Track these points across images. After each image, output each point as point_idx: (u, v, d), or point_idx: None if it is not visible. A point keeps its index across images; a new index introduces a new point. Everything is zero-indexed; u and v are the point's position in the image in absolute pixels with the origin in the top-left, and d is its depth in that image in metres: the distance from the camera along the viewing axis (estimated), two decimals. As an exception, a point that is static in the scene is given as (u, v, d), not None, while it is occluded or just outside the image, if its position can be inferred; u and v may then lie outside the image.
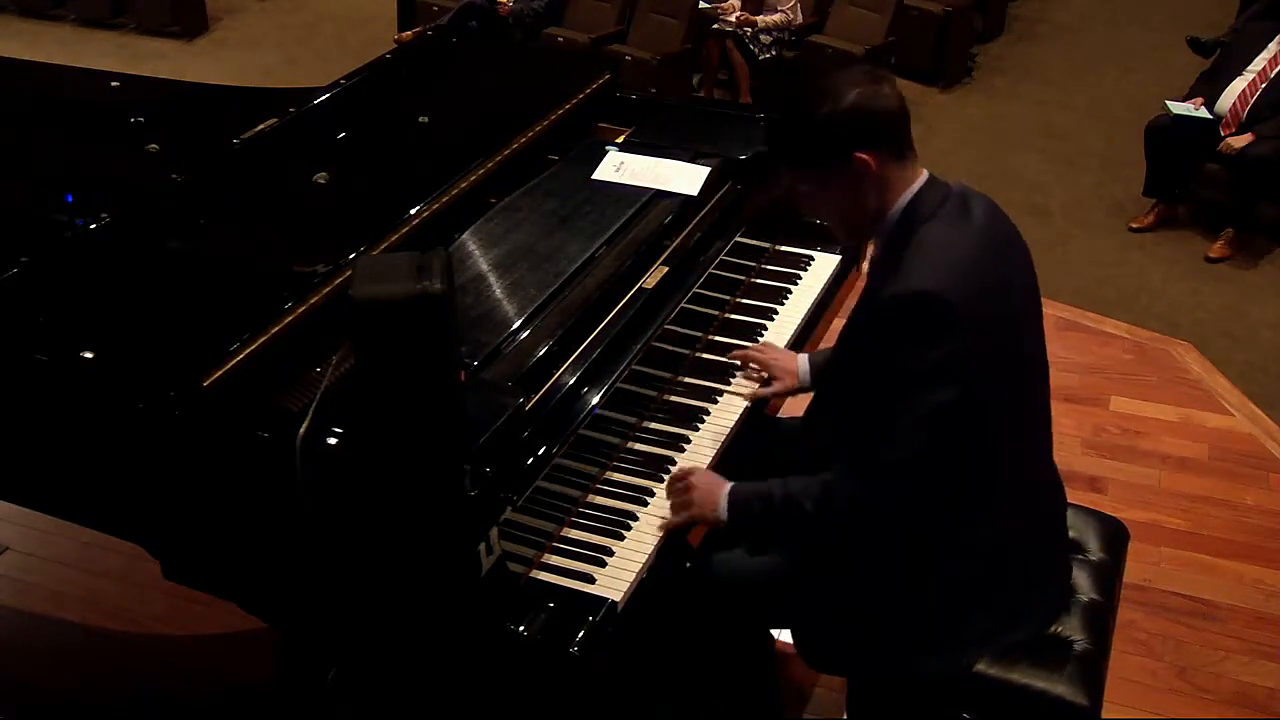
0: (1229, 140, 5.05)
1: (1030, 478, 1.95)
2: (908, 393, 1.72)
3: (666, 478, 2.05)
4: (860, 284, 2.64)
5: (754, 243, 2.68)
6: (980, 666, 1.92)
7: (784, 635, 2.09)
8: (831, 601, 1.95)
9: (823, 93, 1.77)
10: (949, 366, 1.70)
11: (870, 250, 1.93)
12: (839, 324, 2.17)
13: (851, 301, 2.58)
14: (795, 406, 2.62)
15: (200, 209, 2.24)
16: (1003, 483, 1.87)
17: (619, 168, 2.51)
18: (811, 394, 2.28)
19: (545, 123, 2.61)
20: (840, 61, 6.16)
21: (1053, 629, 1.99)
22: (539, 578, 1.85)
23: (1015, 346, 1.82)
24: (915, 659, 1.92)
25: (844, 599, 1.94)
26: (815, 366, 2.28)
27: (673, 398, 2.28)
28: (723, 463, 2.15)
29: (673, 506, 1.99)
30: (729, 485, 1.96)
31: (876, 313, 1.79)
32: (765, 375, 2.31)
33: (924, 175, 1.83)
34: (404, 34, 7.48)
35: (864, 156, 1.76)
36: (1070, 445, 3.49)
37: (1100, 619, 2.03)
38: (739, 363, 2.35)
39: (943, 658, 1.90)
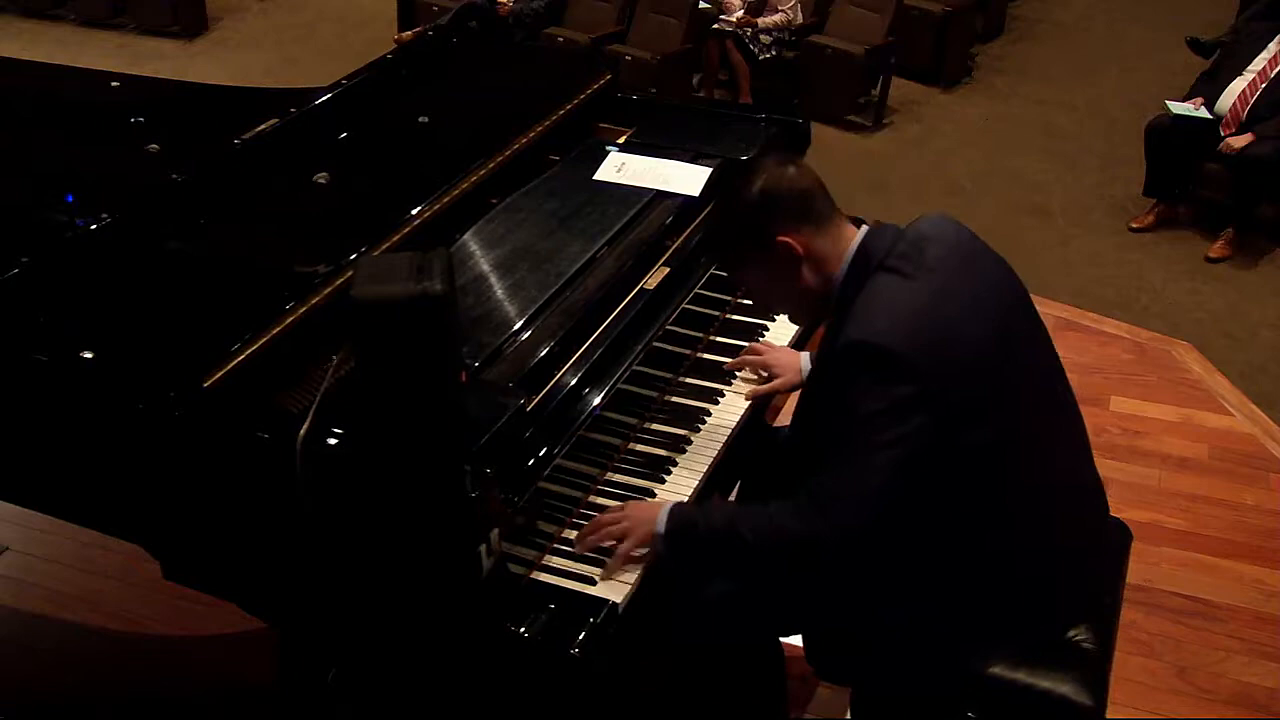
0: (1229, 140, 5.05)
1: (1046, 488, 1.90)
2: (854, 438, 1.71)
3: (598, 515, 1.93)
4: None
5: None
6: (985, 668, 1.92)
7: (793, 639, 2.08)
8: (836, 609, 1.95)
9: (734, 188, 1.86)
10: (896, 412, 1.68)
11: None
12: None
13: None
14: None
15: (201, 209, 2.24)
16: (1009, 506, 1.84)
17: (620, 168, 2.51)
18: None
19: (546, 123, 2.61)
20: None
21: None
22: (540, 579, 1.85)
23: (987, 374, 1.76)
24: (925, 675, 1.91)
25: (854, 614, 1.93)
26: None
27: (674, 398, 2.28)
28: (723, 464, 2.15)
29: (607, 535, 1.87)
30: (668, 503, 1.91)
31: (828, 361, 1.83)
32: (766, 375, 2.31)
33: (860, 231, 1.85)
34: (404, 34, 7.48)
35: (784, 239, 1.81)
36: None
37: (1104, 620, 2.03)
38: (739, 369, 2.35)
39: (953, 674, 1.90)
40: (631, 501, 1.97)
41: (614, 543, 1.88)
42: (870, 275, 1.78)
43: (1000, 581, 1.88)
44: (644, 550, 1.87)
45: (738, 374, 2.34)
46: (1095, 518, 2.05)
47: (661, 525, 1.87)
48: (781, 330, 2.50)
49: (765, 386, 2.30)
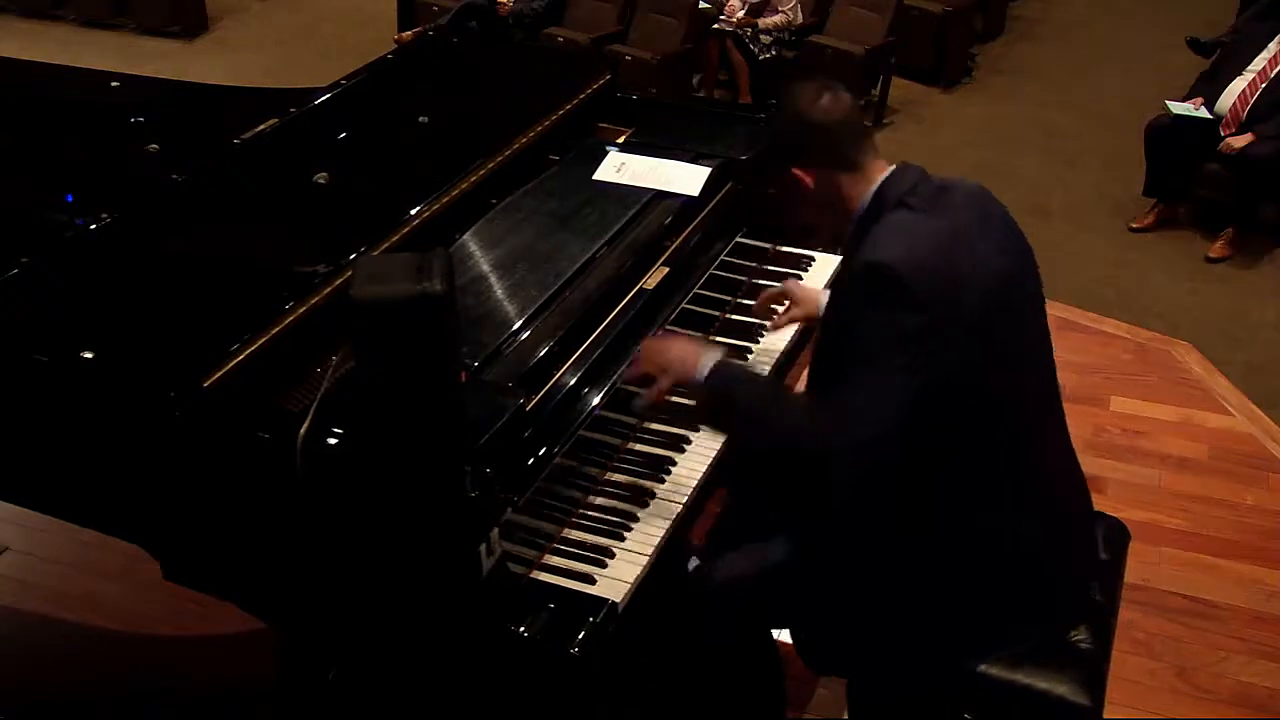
0: (1229, 140, 5.05)
1: (1038, 478, 1.91)
2: (864, 356, 1.72)
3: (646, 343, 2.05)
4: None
5: (755, 243, 2.68)
6: (982, 667, 1.92)
7: (783, 635, 2.08)
8: (832, 602, 1.95)
9: (778, 108, 1.91)
10: (903, 334, 1.69)
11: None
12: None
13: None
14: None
15: (201, 209, 2.24)
16: (1002, 481, 1.85)
17: (620, 168, 2.51)
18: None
19: (546, 123, 2.61)
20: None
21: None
22: (540, 578, 1.85)
23: (990, 333, 1.76)
24: (918, 663, 1.91)
25: (845, 599, 1.94)
26: None
27: (673, 398, 2.28)
28: (723, 462, 2.15)
29: (647, 365, 1.97)
30: (717, 351, 1.94)
31: (837, 289, 1.89)
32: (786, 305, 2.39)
33: (887, 169, 1.86)
34: (404, 34, 7.47)
35: (797, 172, 1.85)
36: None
37: (1101, 619, 2.03)
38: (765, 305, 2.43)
39: (947, 663, 1.90)
40: (678, 339, 2.02)
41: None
42: (886, 210, 1.80)
43: (998, 567, 1.88)
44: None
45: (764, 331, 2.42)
46: (1084, 507, 2.05)
47: (702, 373, 1.89)
48: (781, 330, 2.49)
49: (784, 315, 2.37)
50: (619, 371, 2.07)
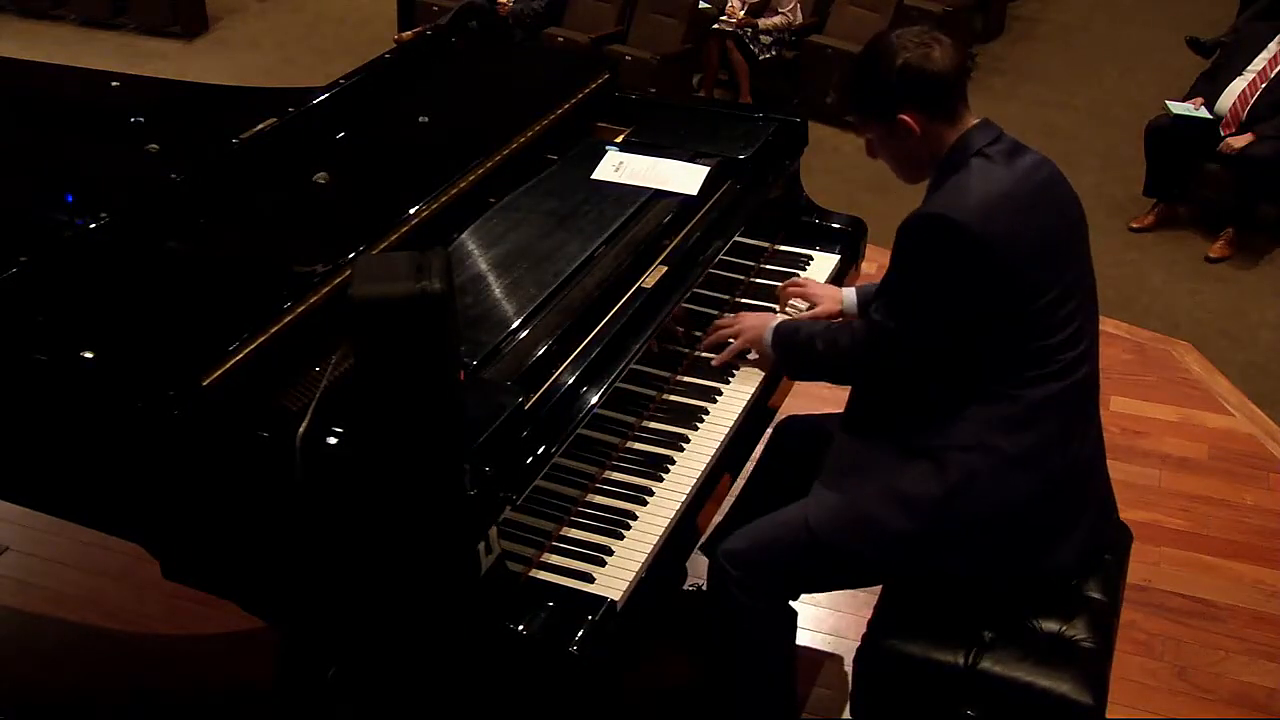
0: (1229, 140, 5.05)
1: (1072, 408, 2.00)
2: (908, 299, 1.93)
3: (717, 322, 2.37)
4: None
5: (753, 242, 2.68)
6: (984, 664, 1.92)
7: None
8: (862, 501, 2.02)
9: (879, 53, 1.96)
10: (953, 283, 1.88)
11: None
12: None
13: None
14: (802, 404, 2.62)
15: (200, 209, 2.24)
16: (1040, 404, 1.94)
17: (618, 167, 2.51)
18: (819, 387, 2.36)
19: (544, 122, 2.61)
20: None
21: (1057, 629, 1.99)
22: (538, 577, 1.85)
23: (1049, 276, 1.91)
24: (945, 558, 1.98)
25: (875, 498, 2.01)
26: (863, 297, 2.37)
27: (672, 397, 2.28)
28: (722, 462, 2.16)
29: (722, 334, 2.32)
30: (777, 318, 2.29)
31: (902, 228, 1.93)
32: (808, 305, 2.46)
33: (974, 120, 1.97)
34: (404, 34, 7.48)
35: (906, 119, 1.94)
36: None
37: (1103, 618, 2.04)
38: (782, 303, 2.51)
39: (972, 562, 1.98)
40: (746, 313, 2.39)
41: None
42: (965, 161, 1.93)
43: (1029, 474, 1.95)
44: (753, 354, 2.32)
45: (783, 308, 2.50)
46: (1102, 451, 2.14)
47: (768, 340, 2.25)
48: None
49: (808, 313, 2.43)
50: (618, 370, 2.07)
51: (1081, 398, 2.02)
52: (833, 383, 2.32)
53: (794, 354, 2.21)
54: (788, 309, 2.49)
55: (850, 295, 2.42)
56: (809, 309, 2.45)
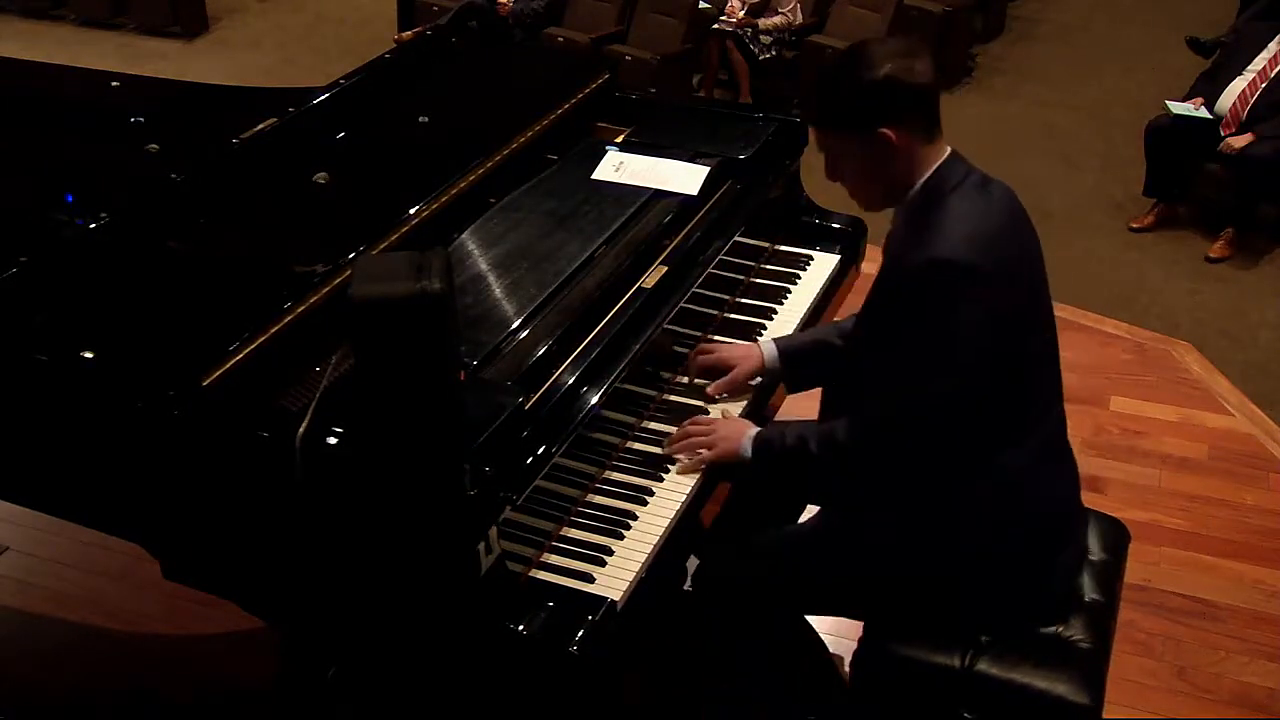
0: (1229, 140, 5.05)
1: (1051, 445, 1.99)
2: (931, 354, 1.80)
3: (686, 424, 2.12)
4: (856, 284, 2.65)
5: (753, 242, 2.67)
6: (981, 665, 1.92)
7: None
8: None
9: (857, 61, 1.83)
10: (968, 331, 1.77)
11: (894, 221, 1.97)
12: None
13: (851, 300, 2.59)
14: (803, 403, 2.61)
15: (200, 209, 2.24)
16: (1024, 443, 1.92)
17: (618, 167, 2.51)
18: (819, 390, 2.27)
19: (544, 122, 2.61)
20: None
21: (1054, 629, 1.99)
22: (538, 577, 1.85)
23: (1035, 313, 1.91)
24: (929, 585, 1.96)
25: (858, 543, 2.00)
26: (785, 351, 2.26)
27: (672, 397, 2.28)
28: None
29: (694, 444, 2.07)
30: (753, 428, 2.05)
31: (904, 279, 1.83)
32: (724, 373, 2.26)
33: (948, 151, 1.89)
34: (404, 34, 7.48)
35: (887, 132, 1.81)
36: (1070, 445, 3.48)
37: (1101, 619, 2.04)
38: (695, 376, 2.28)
39: (958, 604, 1.96)
40: (721, 419, 2.12)
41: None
42: (944, 197, 1.83)
43: (1007, 516, 1.93)
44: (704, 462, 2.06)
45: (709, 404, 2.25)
46: (1075, 484, 2.09)
47: (747, 452, 2.02)
48: (780, 330, 2.49)
49: (723, 380, 2.23)
50: (618, 370, 2.07)
51: (1059, 443, 2.03)
52: (819, 498, 2.18)
53: (782, 462, 2.00)
54: (698, 381, 2.27)
55: (770, 349, 2.26)
56: (727, 377, 2.23)
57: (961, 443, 1.86)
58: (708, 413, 2.22)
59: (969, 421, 1.84)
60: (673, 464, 2.10)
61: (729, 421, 2.10)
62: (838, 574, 2.03)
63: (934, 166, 1.87)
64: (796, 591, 2.08)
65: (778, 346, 2.27)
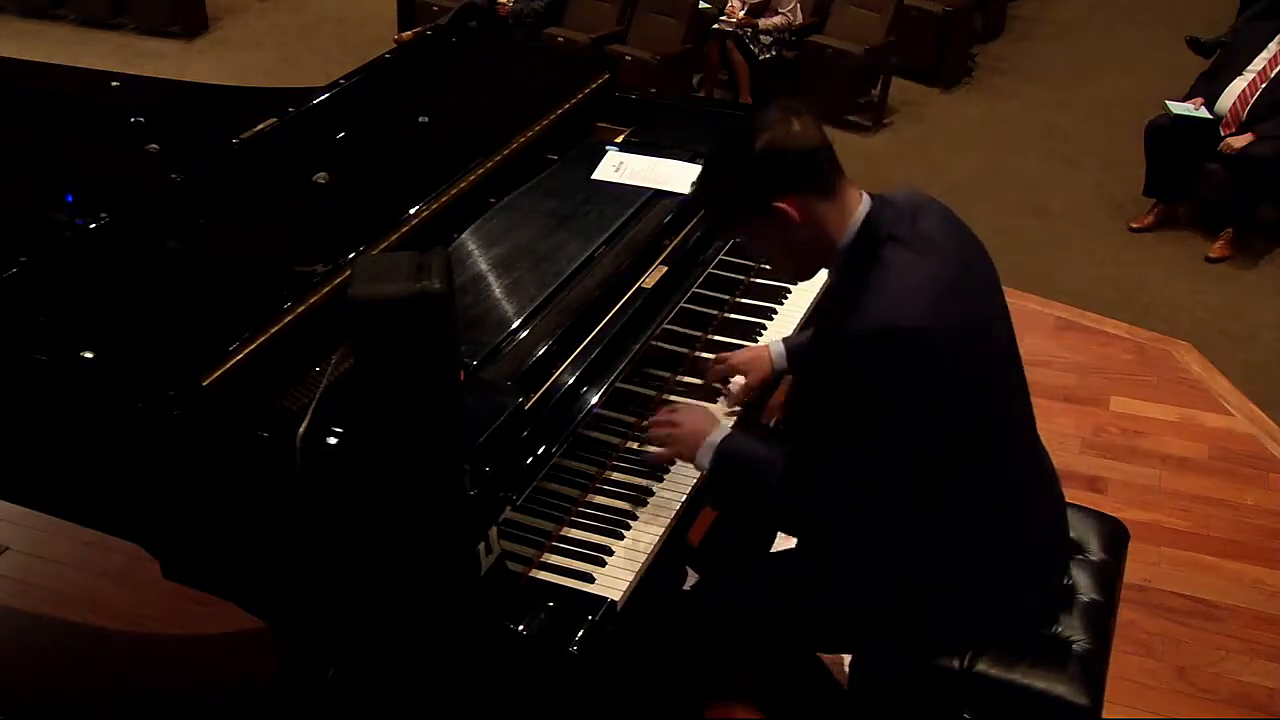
0: (1229, 140, 5.05)
1: (1022, 476, 1.94)
2: (879, 424, 1.71)
3: (653, 417, 2.07)
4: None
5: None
6: (981, 666, 1.92)
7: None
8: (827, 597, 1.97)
9: (735, 142, 1.74)
10: (924, 401, 1.68)
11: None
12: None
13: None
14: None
15: (200, 209, 2.24)
16: (992, 482, 1.86)
17: (618, 167, 2.51)
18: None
19: (544, 122, 2.61)
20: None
21: (1053, 629, 1.99)
22: (538, 577, 1.85)
23: (991, 360, 1.79)
24: (913, 648, 1.93)
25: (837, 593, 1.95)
26: (794, 350, 2.25)
27: (672, 397, 2.28)
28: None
29: (654, 437, 2.03)
30: (720, 438, 1.94)
31: (847, 347, 1.71)
32: (738, 378, 2.26)
33: (866, 199, 1.78)
34: (404, 34, 7.48)
35: (782, 205, 1.72)
36: (1070, 445, 3.49)
37: (1100, 619, 2.03)
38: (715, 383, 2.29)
39: (939, 649, 1.92)
40: (689, 415, 2.02)
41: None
42: (878, 250, 1.72)
43: (983, 555, 1.89)
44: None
45: (718, 399, 2.27)
46: (1059, 510, 2.06)
47: (704, 465, 1.95)
48: (780, 330, 2.50)
49: (739, 387, 2.24)
50: (617, 370, 2.07)
51: (1035, 474, 1.97)
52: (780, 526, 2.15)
53: (741, 486, 1.97)
54: (723, 392, 2.27)
55: (778, 349, 2.25)
56: (741, 382, 2.24)
57: (927, 495, 1.81)
58: (711, 407, 2.22)
59: (933, 477, 1.78)
60: (672, 464, 2.10)
61: (693, 420, 2.00)
62: (814, 610, 2.00)
63: (855, 219, 1.75)
64: (783, 632, 2.06)
65: (785, 346, 2.27)
